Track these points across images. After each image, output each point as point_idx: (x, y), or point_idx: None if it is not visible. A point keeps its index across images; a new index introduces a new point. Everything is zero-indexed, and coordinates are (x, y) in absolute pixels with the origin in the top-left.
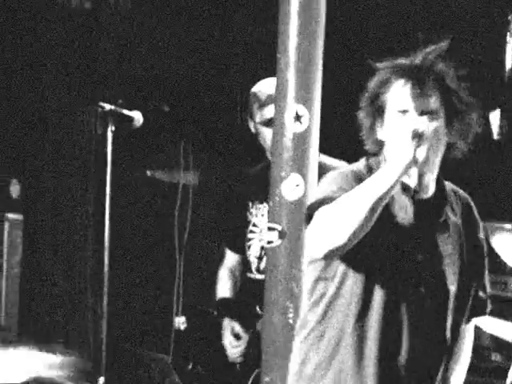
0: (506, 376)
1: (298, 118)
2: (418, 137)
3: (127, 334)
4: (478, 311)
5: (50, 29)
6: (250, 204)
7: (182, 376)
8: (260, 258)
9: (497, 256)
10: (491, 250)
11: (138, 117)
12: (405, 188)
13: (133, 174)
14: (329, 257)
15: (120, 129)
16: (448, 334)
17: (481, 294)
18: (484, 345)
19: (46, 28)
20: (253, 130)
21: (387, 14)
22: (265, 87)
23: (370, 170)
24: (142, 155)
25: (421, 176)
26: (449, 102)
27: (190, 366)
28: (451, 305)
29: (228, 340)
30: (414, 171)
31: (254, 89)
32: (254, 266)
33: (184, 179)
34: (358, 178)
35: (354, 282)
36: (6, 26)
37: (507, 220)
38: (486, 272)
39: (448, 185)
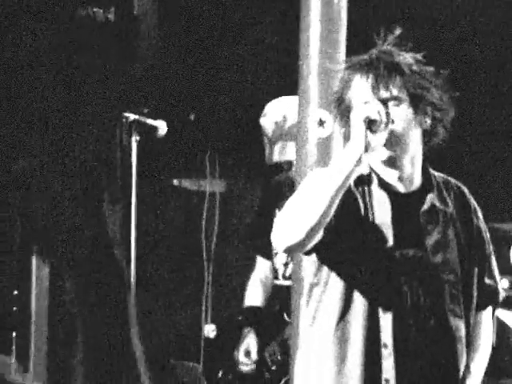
0: None
1: (321, 123)
2: (370, 123)
3: (158, 345)
4: (489, 298)
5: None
6: (277, 211)
7: None
8: (286, 265)
9: None
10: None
11: (162, 126)
12: (382, 184)
13: (159, 184)
14: (290, 251)
15: (145, 138)
16: (453, 322)
17: (487, 280)
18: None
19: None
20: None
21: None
22: (270, 118)
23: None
24: (167, 164)
25: (401, 169)
26: (410, 86)
27: (221, 374)
28: (447, 294)
29: (240, 355)
30: (396, 165)
31: (262, 120)
32: (280, 273)
33: (211, 188)
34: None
35: (335, 286)
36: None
37: None
38: (492, 258)
39: (438, 176)
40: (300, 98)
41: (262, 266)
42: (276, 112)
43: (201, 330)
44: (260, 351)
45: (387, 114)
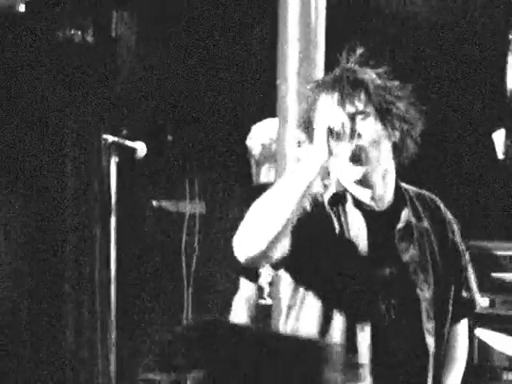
0: None
1: (299, 144)
2: (333, 133)
3: (136, 363)
4: (463, 311)
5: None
6: None
7: None
8: (271, 284)
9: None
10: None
11: (141, 147)
12: (356, 203)
13: (138, 205)
14: (252, 263)
15: (124, 160)
16: (428, 340)
17: (463, 293)
18: (495, 364)
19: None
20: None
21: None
22: (257, 140)
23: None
24: (146, 185)
25: (373, 187)
26: (375, 100)
27: None
28: (424, 312)
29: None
30: (369, 183)
31: (249, 142)
32: (266, 292)
33: (190, 209)
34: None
35: (311, 306)
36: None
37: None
38: (469, 270)
39: (410, 190)
40: (279, 118)
41: (245, 287)
42: (262, 134)
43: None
44: None
45: (352, 127)
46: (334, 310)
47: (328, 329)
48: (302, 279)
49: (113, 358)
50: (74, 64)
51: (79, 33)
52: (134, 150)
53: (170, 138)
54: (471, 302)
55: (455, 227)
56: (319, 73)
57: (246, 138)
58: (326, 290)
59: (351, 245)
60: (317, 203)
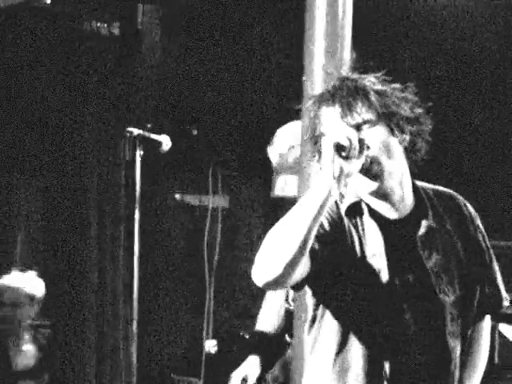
0: None
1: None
2: (340, 149)
3: (159, 359)
4: (488, 307)
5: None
6: None
7: None
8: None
9: None
10: None
11: (166, 141)
12: (372, 213)
13: (162, 198)
14: (270, 287)
15: (148, 153)
16: (452, 343)
17: (487, 289)
18: None
19: (74, 54)
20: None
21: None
22: (276, 148)
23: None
24: (170, 179)
25: (390, 195)
26: (378, 106)
27: None
28: (448, 316)
29: (235, 380)
30: (385, 192)
31: (269, 149)
32: (290, 297)
33: (213, 203)
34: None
35: (331, 321)
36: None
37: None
38: (494, 265)
39: (428, 189)
40: (303, 118)
41: (274, 293)
42: (282, 142)
43: (202, 344)
44: (259, 379)
45: (360, 140)
46: (352, 324)
47: (347, 343)
48: (320, 293)
49: (134, 351)
50: (100, 56)
51: (105, 25)
52: (159, 144)
53: (194, 132)
54: (496, 297)
55: (477, 222)
56: (345, 69)
57: (273, 136)
58: (343, 303)
59: (368, 256)
60: (334, 215)
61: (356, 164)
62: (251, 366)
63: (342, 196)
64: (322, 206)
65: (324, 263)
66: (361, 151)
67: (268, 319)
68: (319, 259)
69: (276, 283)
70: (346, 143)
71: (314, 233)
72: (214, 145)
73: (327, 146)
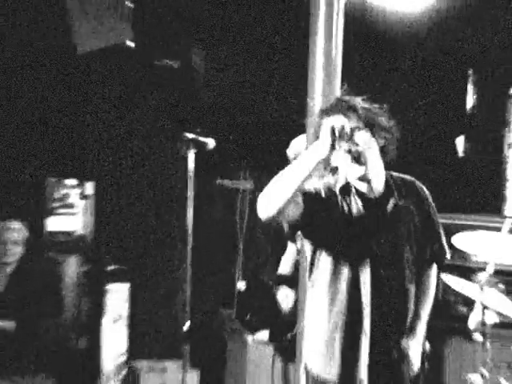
0: (466, 321)
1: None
2: (336, 131)
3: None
4: (435, 258)
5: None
6: None
7: (243, 324)
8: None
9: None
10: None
11: (211, 142)
12: (358, 193)
13: (208, 183)
14: (272, 219)
15: (198, 151)
16: (408, 286)
17: (435, 247)
18: (452, 299)
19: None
20: None
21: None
22: (292, 151)
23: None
24: (214, 169)
25: (369, 180)
26: (364, 118)
27: (248, 317)
28: (407, 269)
29: (281, 298)
30: (366, 178)
31: (288, 151)
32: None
33: (243, 186)
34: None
35: (324, 264)
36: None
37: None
38: (441, 232)
39: (396, 177)
40: (308, 133)
41: (291, 248)
42: (297, 146)
43: (235, 285)
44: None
45: (351, 129)
46: (341, 264)
47: (336, 280)
48: (312, 237)
49: (188, 292)
50: (168, 83)
51: (171, 62)
52: (205, 144)
53: (230, 137)
54: (442, 252)
55: (430, 201)
56: (337, 93)
57: (290, 142)
58: (334, 247)
59: (353, 220)
60: (330, 191)
61: (344, 146)
62: (286, 289)
63: (336, 181)
64: (313, 167)
65: (315, 210)
66: (350, 138)
67: (286, 266)
68: (312, 207)
69: (275, 216)
70: (339, 127)
71: (304, 182)
72: (243, 145)
73: (326, 128)
